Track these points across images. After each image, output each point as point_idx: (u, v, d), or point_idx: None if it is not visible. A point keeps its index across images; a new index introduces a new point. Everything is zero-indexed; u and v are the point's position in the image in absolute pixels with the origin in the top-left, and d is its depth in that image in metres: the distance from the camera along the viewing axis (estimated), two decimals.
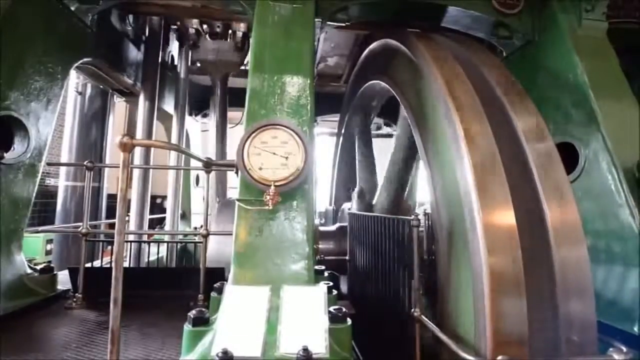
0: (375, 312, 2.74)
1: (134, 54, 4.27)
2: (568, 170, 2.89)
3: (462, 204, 1.72)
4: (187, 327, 1.52)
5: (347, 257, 3.59)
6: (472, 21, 3.24)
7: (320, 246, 3.60)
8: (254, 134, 1.76)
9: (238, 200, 1.81)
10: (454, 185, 1.85)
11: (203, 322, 1.55)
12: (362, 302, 3.08)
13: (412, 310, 1.86)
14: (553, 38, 3.05)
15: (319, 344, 1.37)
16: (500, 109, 2.06)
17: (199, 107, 5.76)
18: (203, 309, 1.61)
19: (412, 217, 1.90)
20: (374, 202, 3.56)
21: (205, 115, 5.81)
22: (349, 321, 1.52)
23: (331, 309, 1.53)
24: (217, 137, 4.57)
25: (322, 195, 5.32)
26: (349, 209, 3.79)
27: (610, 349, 1.41)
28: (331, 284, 1.98)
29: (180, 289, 2.74)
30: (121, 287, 1.26)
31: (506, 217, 1.59)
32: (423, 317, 1.81)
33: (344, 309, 1.53)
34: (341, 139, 4.70)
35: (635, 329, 2.14)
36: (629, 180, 2.50)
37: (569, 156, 2.90)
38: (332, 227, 3.97)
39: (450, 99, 1.97)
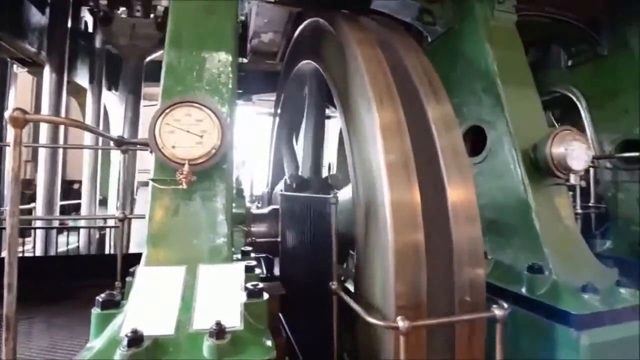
0: (304, 291, 2.84)
1: (37, 18, 3.69)
2: (479, 152, 3.21)
3: (374, 184, 1.82)
4: (95, 310, 1.48)
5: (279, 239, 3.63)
6: (399, 6, 3.36)
7: (252, 229, 3.61)
8: (166, 112, 1.67)
9: (152, 180, 1.73)
10: (369, 166, 1.94)
11: (113, 305, 1.52)
12: (292, 282, 3.16)
13: (330, 283, 1.96)
14: (469, 26, 3.27)
15: (234, 318, 1.40)
16: (414, 95, 2.18)
17: (119, 81, 5.25)
18: (113, 292, 1.57)
19: (331, 195, 1.97)
20: (300, 181, 3.61)
21: None
22: (266, 296, 1.56)
23: (248, 285, 1.56)
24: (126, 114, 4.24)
25: (262, 178, 5.24)
26: (282, 191, 3.81)
27: (493, 306, 1.63)
28: (254, 263, 2.00)
29: (98, 278, 2.57)
30: (16, 271, 1.20)
31: (412, 197, 1.72)
32: (339, 289, 1.92)
33: (260, 285, 1.56)
34: (277, 119, 4.65)
35: (523, 290, 2.48)
36: (525, 161, 2.84)
37: (482, 138, 3.20)
38: (265, 210, 3.98)
39: (368, 84, 2.03)
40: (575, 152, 2.60)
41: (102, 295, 1.51)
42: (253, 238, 3.58)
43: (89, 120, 4.28)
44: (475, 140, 3.29)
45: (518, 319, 2.40)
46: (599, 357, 2.09)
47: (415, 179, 1.78)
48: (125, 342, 1.23)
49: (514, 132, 2.89)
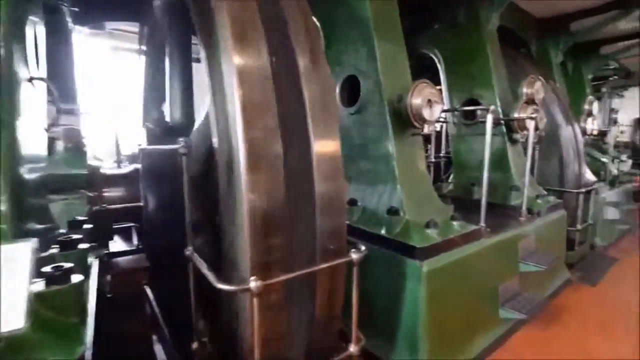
0: (170, 260, 2.48)
1: None
2: (355, 102, 3.20)
3: (232, 134, 1.55)
4: None
5: (142, 204, 3.10)
6: None
7: (105, 194, 3.01)
8: None
9: None
10: (229, 117, 1.63)
11: None
12: (159, 252, 2.75)
13: (185, 249, 1.68)
14: None
15: (12, 318, 1.00)
16: (285, 38, 1.86)
17: None
18: None
19: (180, 144, 1.62)
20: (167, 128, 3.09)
21: None
22: (76, 279, 1.18)
23: (47, 268, 1.15)
24: None
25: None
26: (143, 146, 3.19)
27: (352, 250, 1.63)
28: (79, 236, 1.55)
29: None
30: None
31: (272, 151, 1.51)
32: (195, 254, 1.66)
33: (65, 266, 1.17)
34: (145, 58, 3.76)
35: (383, 231, 2.67)
36: (391, 112, 2.94)
37: (358, 89, 3.18)
38: (124, 170, 3.33)
39: (228, 15, 1.64)
40: (429, 103, 2.79)
41: None
42: (103, 205, 3.03)
43: None
44: (352, 91, 3.27)
45: (379, 258, 2.61)
46: (436, 280, 2.45)
47: (278, 131, 1.56)
48: None
49: (384, 83, 2.94)
